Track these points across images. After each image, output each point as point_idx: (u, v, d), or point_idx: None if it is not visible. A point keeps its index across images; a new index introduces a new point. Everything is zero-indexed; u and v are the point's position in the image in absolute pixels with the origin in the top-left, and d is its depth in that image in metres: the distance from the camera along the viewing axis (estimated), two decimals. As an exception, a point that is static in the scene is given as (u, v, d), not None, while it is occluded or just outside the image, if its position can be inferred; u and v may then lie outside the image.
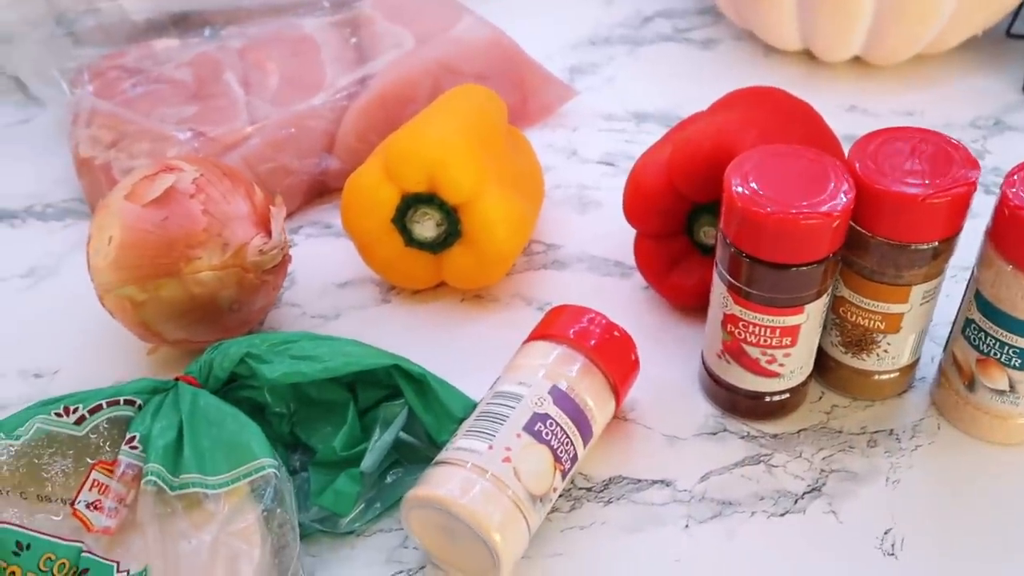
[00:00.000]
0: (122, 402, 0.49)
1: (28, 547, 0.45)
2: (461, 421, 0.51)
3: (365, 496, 0.52)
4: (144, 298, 0.55)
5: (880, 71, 0.81)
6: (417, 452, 0.53)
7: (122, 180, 0.59)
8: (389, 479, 0.53)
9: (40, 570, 0.45)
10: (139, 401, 0.50)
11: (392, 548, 0.51)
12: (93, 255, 0.55)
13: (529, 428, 0.48)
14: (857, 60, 0.81)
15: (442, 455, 0.48)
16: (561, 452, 0.49)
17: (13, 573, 0.45)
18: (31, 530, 0.46)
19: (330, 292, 0.65)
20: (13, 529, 0.46)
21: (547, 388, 0.50)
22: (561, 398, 0.50)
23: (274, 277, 0.58)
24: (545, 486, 0.48)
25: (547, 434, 0.49)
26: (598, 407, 0.52)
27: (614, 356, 0.53)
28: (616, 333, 0.54)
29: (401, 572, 0.50)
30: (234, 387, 0.52)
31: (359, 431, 0.52)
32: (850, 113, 0.77)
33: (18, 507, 0.46)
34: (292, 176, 0.68)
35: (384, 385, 0.53)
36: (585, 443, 0.51)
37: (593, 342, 0.53)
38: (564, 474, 0.49)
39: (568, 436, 0.49)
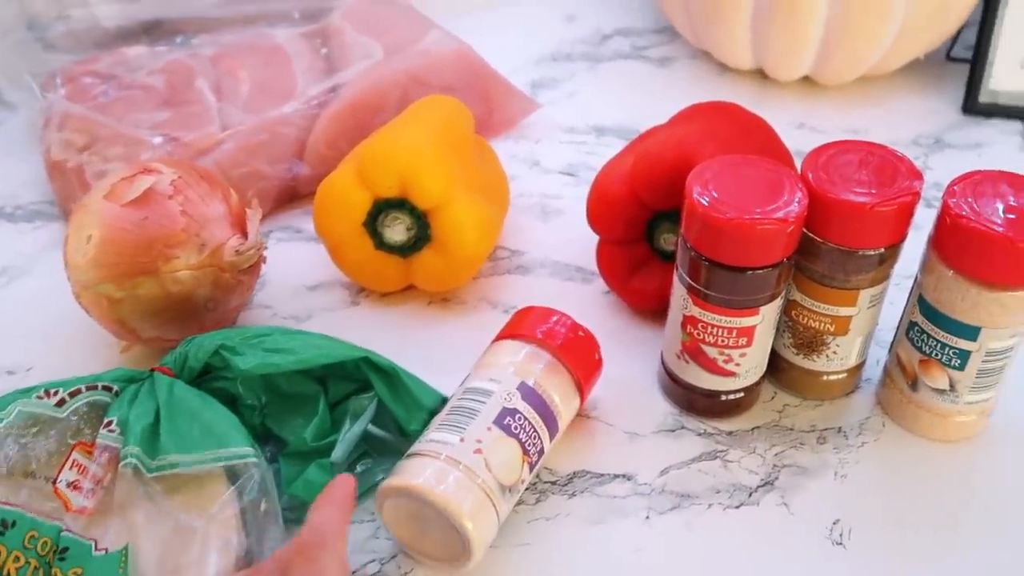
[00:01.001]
0: (100, 387, 0.51)
1: (13, 524, 0.47)
2: (431, 413, 0.53)
3: None
4: (121, 295, 0.56)
5: (827, 91, 0.85)
6: (386, 444, 0.55)
7: (99, 181, 0.60)
8: (359, 469, 0.55)
9: (25, 547, 0.46)
10: (116, 388, 0.51)
11: (364, 538, 0.53)
12: (71, 253, 0.57)
13: (499, 422, 0.51)
14: (806, 80, 0.85)
15: (415, 447, 0.50)
16: (529, 445, 0.51)
17: None
18: (16, 506, 0.47)
19: (301, 294, 0.66)
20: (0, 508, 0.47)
21: (516, 384, 0.52)
22: (529, 394, 0.52)
23: (249, 277, 0.60)
24: (514, 477, 0.50)
25: (516, 428, 0.51)
26: (564, 403, 0.54)
27: (579, 355, 0.56)
28: (581, 333, 0.56)
29: (373, 561, 0.52)
30: (207, 378, 0.54)
31: (329, 423, 0.54)
32: (799, 130, 0.81)
33: (4, 485, 0.47)
34: (264, 181, 0.70)
35: (354, 379, 0.54)
36: (551, 437, 0.53)
37: (559, 342, 0.55)
38: (531, 466, 0.52)
39: (535, 430, 0.52)
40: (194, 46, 0.77)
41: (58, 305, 0.61)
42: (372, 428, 0.55)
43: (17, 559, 0.46)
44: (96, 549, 0.47)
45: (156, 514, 0.48)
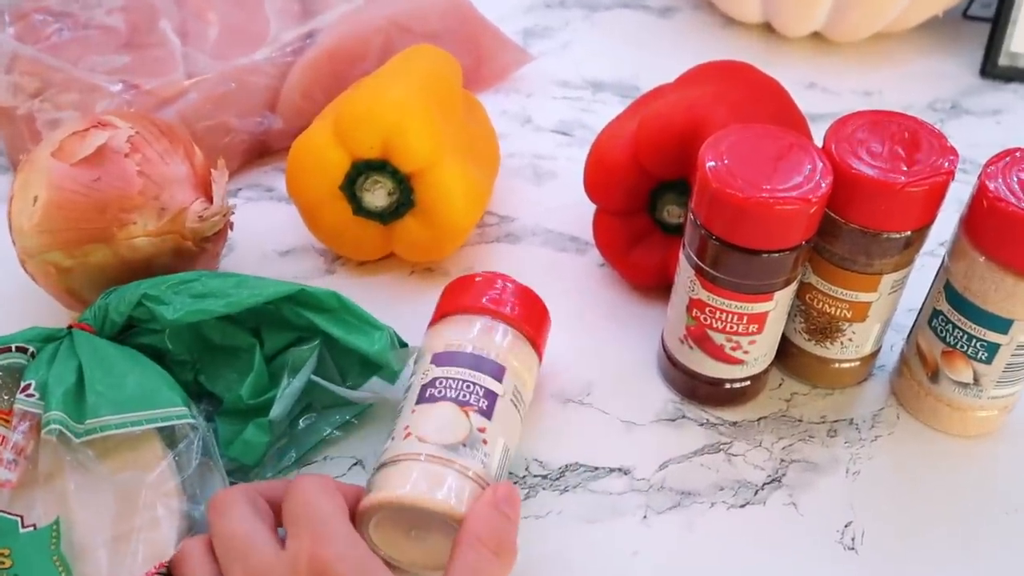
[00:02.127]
0: (14, 349, 0.47)
1: None
2: (386, 331, 0.50)
3: (276, 445, 0.50)
4: (71, 264, 0.51)
5: (839, 48, 0.80)
6: (331, 395, 0.52)
7: (47, 135, 0.55)
8: (302, 424, 0.52)
9: None
10: (32, 349, 0.47)
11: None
12: (15, 215, 0.51)
13: (420, 400, 0.47)
14: (817, 36, 0.79)
15: (378, 461, 0.46)
16: (464, 396, 0.47)
17: None
18: None
19: (271, 260, 0.61)
20: None
21: (428, 360, 0.49)
22: (442, 358, 0.48)
23: (213, 244, 0.54)
24: (460, 432, 0.45)
25: (440, 392, 0.47)
26: (496, 342, 0.49)
27: (488, 299, 0.51)
28: (485, 279, 0.52)
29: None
30: (132, 333, 0.50)
31: (266, 378, 0.50)
32: (809, 90, 0.76)
33: None
34: (232, 135, 0.64)
35: (291, 327, 0.50)
36: (496, 376, 0.48)
37: (476, 300, 0.51)
38: (484, 412, 0.47)
39: (465, 381, 0.47)
40: (158, -17, 0.71)
41: (5, 269, 0.56)
42: (315, 379, 0.51)
43: None
44: (23, 526, 0.43)
45: (90, 481, 0.44)
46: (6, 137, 0.64)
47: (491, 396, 0.47)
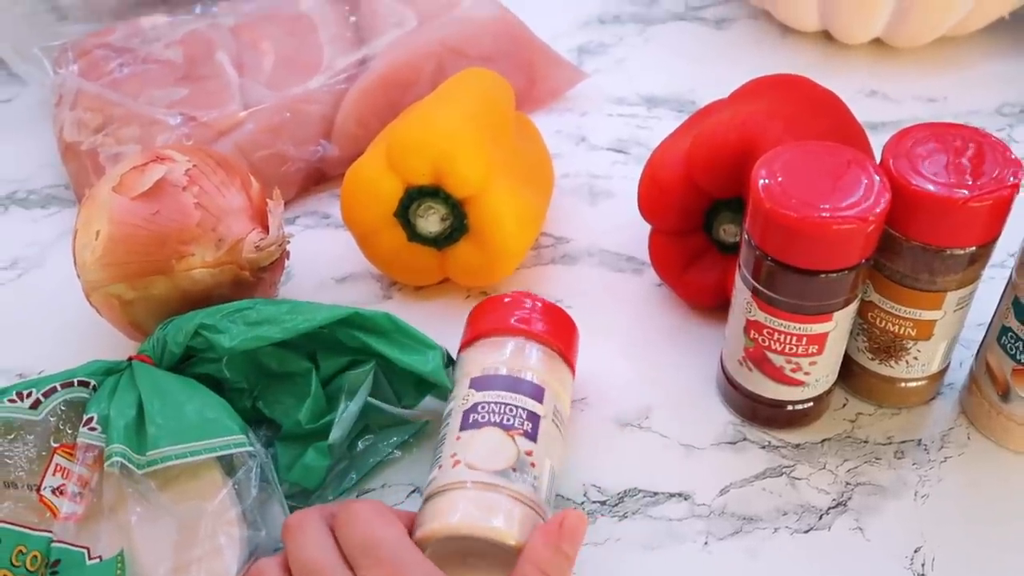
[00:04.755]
0: (76, 384, 0.48)
1: None
2: (439, 350, 0.50)
3: (337, 468, 0.51)
4: (133, 296, 0.52)
5: (901, 54, 0.78)
6: (387, 416, 0.53)
7: (110, 169, 0.56)
8: (360, 447, 0.52)
9: (12, 565, 0.43)
10: (93, 382, 0.48)
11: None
12: (80, 250, 0.52)
13: (464, 426, 0.47)
14: (877, 42, 0.78)
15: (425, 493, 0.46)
16: (508, 421, 0.46)
17: None
18: (0, 521, 0.44)
19: (328, 287, 0.62)
20: None
21: (467, 385, 0.48)
22: (480, 382, 0.48)
23: (271, 274, 0.55)
24: (508, 457, 0.45)
25: (483, 418, 0.46)
26: (535, 363, 0.49)
27: (517, 319, 0.51)
28: (513, 299, 0.52)
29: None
30: (190, 363, 0.50)
31: (324, 402, 0.51)
32: (870, 98, 0.74)
33: None
34: (288, 164, 0.65)
35: (346, 351, 0.51)
36: (537, 397, 0.48)
37: (504, 321, 0.51)
38: (529, 435, 0.46)
39: (507, 404, 0.47)
40: (214, 15, 0.72)
41: (72, 301, 0.57)
42: (371, 400, 0.51)
43: None
44: (89, 558, 0.44)
45: (152, 512, 0.45)
46: (72, 172, 0.66)
47: (534, 418, 0.47)
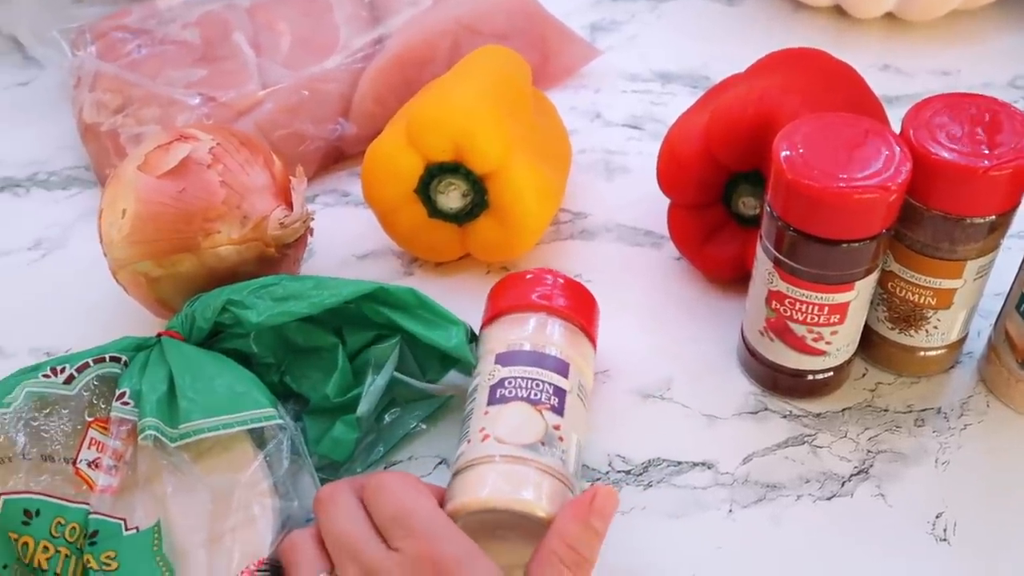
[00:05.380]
0: (108, 359, 0.48)
1: (37, 513, 0.44)
2: (462, 326, 0.51)
3: (365, 440, 0.51)
4: (160, 273, 0.53)
5: (914, 28, 0.78)
6: (413, 390, 0.53)
7: (134, 149, 0.57)
8: (387, 419, 0.53)
9: (52, 536, 0.44)
10: (124, 358, 0.49)
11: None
12: (106, 228, 0.53)
13: (491, 401, 0.47)
14: (890, 16, 0.78)
15: (453, 467, 0.47)
16: (536, 395, 0.47)
17: (26, 544, 0.44)
18: (38, 494, 0.45)
19: (350, 264, 0.62)
20: (20, 497, 0.45)
21: (492, 361, 0.49)
22: (506, 358, 0.49)
23: (295, 250, 0.56)
24: (537, 431, 0.46)
25: (510, 393, 0.47)
26: (558, 339, 0.50)
27: (538, 295, 0.51)
28: (534, 276, 0.52)
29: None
30: (219, 339, 0.51)
31: (351, 376, 0.51)
32: (883, 72, 0.75)
33: (22, 472, 0.45)
34: (307, 142, 0.65)
35: (372, 325, 0.51)
36: (563, 372, 0.48)
37: (525, 297, 0.51)
38: (556, 409, 0.47)
39: (534, 379, 0.47)
40: (230, -5, 0.72)
41: (96, 280, 0.57)
42: (396, 374, 0.52)
43: (46, 549, 0.44)
44: (126, 528, 0.45)
45: (186, 483, 0.45)
46: (92, 153, 0.66)
47: (560, 393, 0.48)
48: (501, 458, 0.45)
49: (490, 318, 0.52)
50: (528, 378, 0.48)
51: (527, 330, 0.50)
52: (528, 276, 0.53)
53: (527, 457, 0.45)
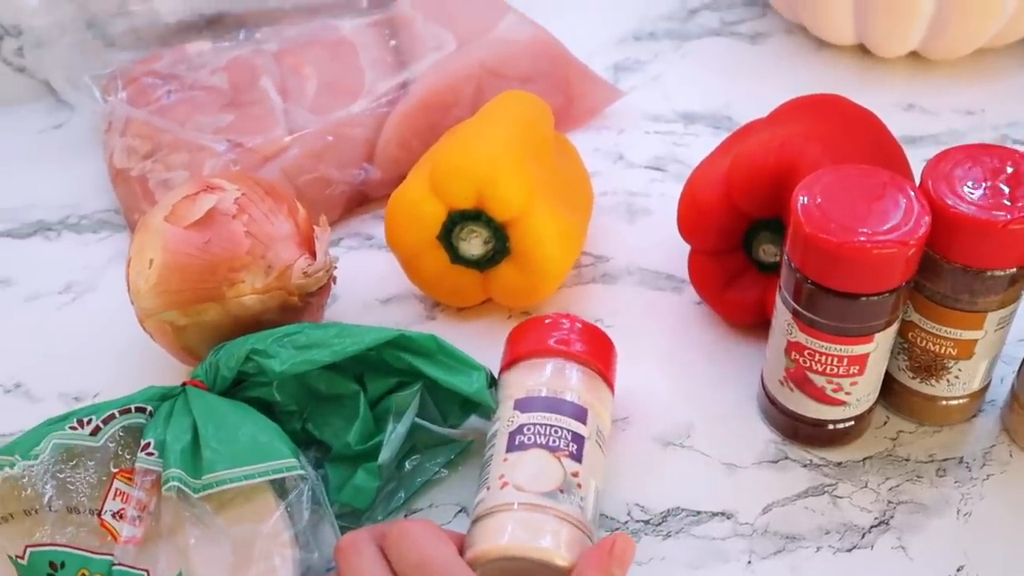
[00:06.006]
0: (133, 410, 0.49)
1: (63, 565, 0.45)
2: (483, 371, 0.52)
3: (386, 488, 0.52)
4: (186, 322, 0.53)
5: (938, 67, 0.78)
6: (432, 435, 0.54)
7: (162, 194, 0.58)
8: (408, 467, 0.53)
9: None
10: (150, 408, 0.50)
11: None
12: (134, 278, 0.54)
13: (510, 448, 0.48)
14: (914, 55, 0.78)
15: (472, 515, 0.47)
16: (554, 442, 0.47)
17: None
18: (63, 546, 0.46)
19: (373, 308, 0.63)
20: (45, 550, 0.45)
21: (511, 407, 0.50)
22: (525, 404, 0.49)
23: (318, 298, 0.56)
24: (555, 479, 0.46)
25: (529, 440, 0.48)
26: (576, 384, 0.50)
27: (556, 340, 0.52)
28: (552, 321, 0.53)
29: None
30: (242, 387, 0.52)
31: (372, 423, 0.52)
32: (908, 112, 0.74)
33: (48, 524, 0.46)
34: (332, 187, 0.66)
35: (393, 371, 0.52)
36: (581, 419, 0.49)
37: (542, 342, 0.52)
38: (574, 456, 0.47)
39: (552, 426, 0.48)
40: (257, 41, 0.73)
41: (125, 324, 0.58)
42: (417, 420, 0.53)
43: None
44: None
45: (208, 534, 0.46)
46: (122, 197, 0.67)
47: (579, 439, 0.48)
48: (520, 506, 0.45)
49: (509, 363, 0.52)
50: (547, 424, 0.48)
51: (545, 375, 0.50)
52: (546, 321, 0.53)
53: (546, 505, 0.45)
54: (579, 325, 0.53)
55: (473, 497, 0.48)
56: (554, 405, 0.49)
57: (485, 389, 0.51)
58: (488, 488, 0.47)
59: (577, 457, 0.47)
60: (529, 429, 0.48)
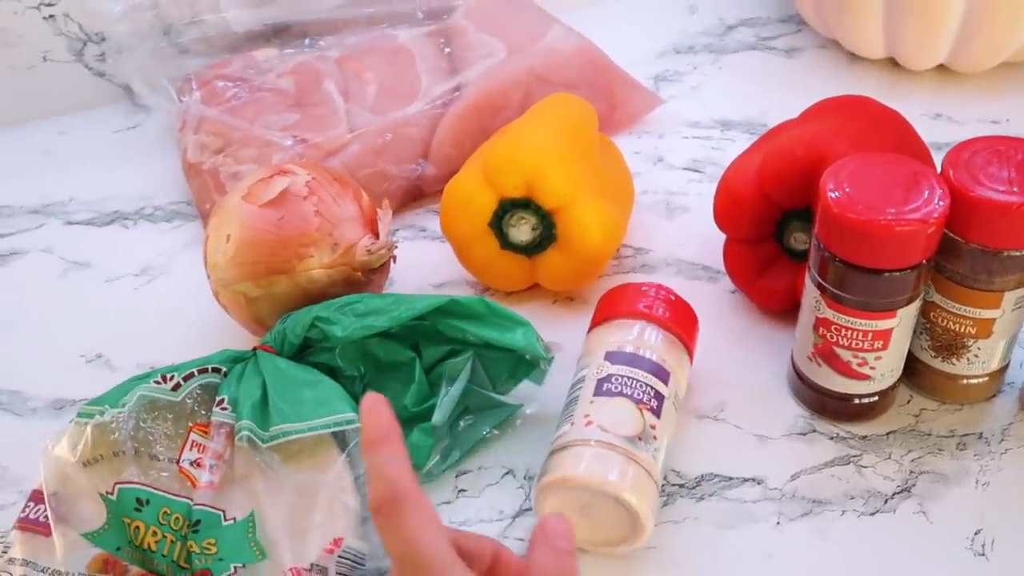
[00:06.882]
0: (210, 370, 0.54)
1: (148, 502, 0.50)
2: (528, 326, 0.55)
3: (440, 447, 0.56)
4: (258, 294, 0.58)
5: (965, 79, 0.81)
6: (484, 398, 0.57)
7: (237, 183, 0.62)
8: (461, 426, 0.57)
9: (159, 523, 0.49)
10: (224, 369, 0.54)
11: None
12: (211, 252, 0.58)
13: (598, 392, 0.52)
14: (942, 68, 0.81)
15: (552, 446, 0.51)
16: (639, 395, 0.52)
17: (137, 528, 0.49)
18: (147, 486, 0.50)
19: (427, 292, 0.67)
20: (133, 487, 0.50)
21: (602, 357, 0.54)
22: (617, 356, 0.53)
23: (379, 276, 0.61)
24: (637, 426, 0.50)
25: (616, 388, 0.52)
26: (662, 349, 0.54)
27: (656, 307, 0.56)
28: (644, 288, 0.57)
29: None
30: (308, 353, 0.56)
31: (427, 387, 0.56)
32: (936, 121, 0.78)
33: (135, 466, 0.50)
34: (389, 181, 0.71)
35: (446, 340, 0.56)
36: (663, 379, 0.53)
37: (633, 306, 0.56)
38: (655, 411, 0.52)
39: (639, 381, 0.52)
40: (321, 48, 0.79)
41: (197, 303, 0.63)
42: (470, 385, 0.56)
43: (155, 534, 0.49)
44: (225, 519, 0.49)
45: (276, 481, 0.50)
46: (195, 189, 0.73)
47: (660, 397, 0.52)
48: (597, 443, 0.50)
49: (600, 320, 0.57)
50: (634, 379, 0.52)
51: (634, 335, 0.55)
52: (644, 288, 0.57)
53: (624, 447, 0.49)
54: (669, 295, 0.57)
55: (520, 460, 0.52)
56: (644, 364, 0.53)
57: (534, 341, 0.55)
58: (572, 424, 0.51)
59: (657, 413, 0.52)
60: (617, 379, 0.52)
